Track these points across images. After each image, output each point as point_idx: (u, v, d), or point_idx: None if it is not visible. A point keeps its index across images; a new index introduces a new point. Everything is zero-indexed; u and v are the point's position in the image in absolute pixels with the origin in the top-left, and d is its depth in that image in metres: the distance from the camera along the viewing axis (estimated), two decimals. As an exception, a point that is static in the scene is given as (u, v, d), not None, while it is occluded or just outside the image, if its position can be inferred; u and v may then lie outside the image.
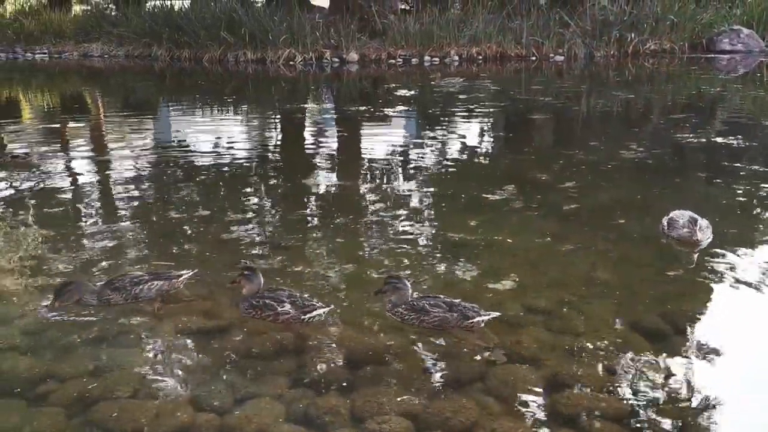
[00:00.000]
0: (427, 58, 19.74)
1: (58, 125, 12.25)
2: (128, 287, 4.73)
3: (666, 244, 5.78)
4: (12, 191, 7.59)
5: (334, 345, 4.23)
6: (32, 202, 7.21)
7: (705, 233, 5.72)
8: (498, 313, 4.46)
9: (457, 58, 19.78)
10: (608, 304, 4.74)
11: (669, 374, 3.90)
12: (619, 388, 3.78)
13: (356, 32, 20.14)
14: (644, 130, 10.68)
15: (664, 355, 4.09)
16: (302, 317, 4.44)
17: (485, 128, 11.31)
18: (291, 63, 19.55)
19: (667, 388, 3.77)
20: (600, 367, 3.98)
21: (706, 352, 4.13)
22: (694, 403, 3.66)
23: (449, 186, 7.63)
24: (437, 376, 3.92)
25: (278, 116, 13.12)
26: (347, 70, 18.89)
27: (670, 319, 4.50)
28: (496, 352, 4.12)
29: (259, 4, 23.69)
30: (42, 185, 7.81)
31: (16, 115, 13.69)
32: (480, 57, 19.85)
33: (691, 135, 9.95)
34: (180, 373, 3.93)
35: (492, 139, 10.51)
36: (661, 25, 20.55)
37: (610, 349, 4.17)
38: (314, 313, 4.46)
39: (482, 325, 4.39)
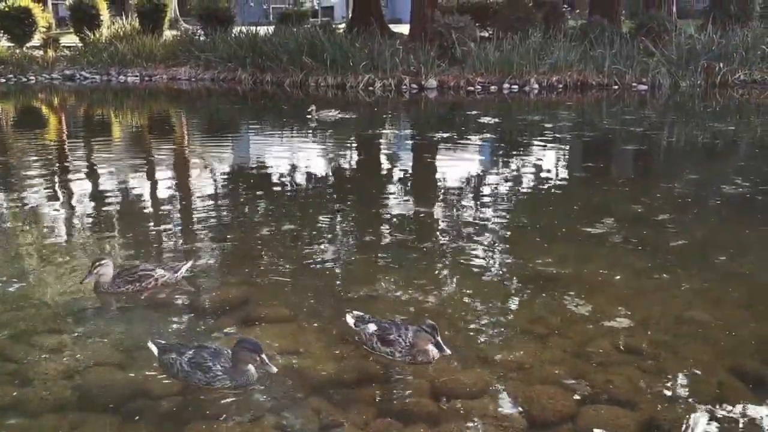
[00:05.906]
0: (506, 85, 19.61)
1: (146, 143, 12.74)
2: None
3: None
4: (97, 212, 7.92)
5: (420, 377, 4.15)
6: (114, 222, 7.49)
7: None
8: (192, 261, 5.61)
9: (536, 85, 19.58)
10: (706, 346, 4.50)
11: (776, 426, 3.65)
12: (721, 438, 3.57)
13: (435, 59, 20.22)
14: (748, 164, 10.23)
15: (769, 405, 3.84)
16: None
17: (574, 158, 11.08)
18: (370, 88, 19.78)
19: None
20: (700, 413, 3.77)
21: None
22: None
23: (541, 217, 7.46)
24: (526, 412, 3.78)
25: (358, 141, 13.24)
26: (426, 96, 18.97)
27: (775, 367, 4.23)
28: (585, 390, 3.97)
29: (341, 31, 24.19)
30: (123, 200, 8.11)
31: (107, 133, 14.35)
32: (560, 85, 19.61)
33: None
34: (266, 396, 3.94)
35: (583, 170, 10.21)
36: (752, 55, 19.85)
37: (710, 394, 3.94)
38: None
39: (184, 274, 5.43)
